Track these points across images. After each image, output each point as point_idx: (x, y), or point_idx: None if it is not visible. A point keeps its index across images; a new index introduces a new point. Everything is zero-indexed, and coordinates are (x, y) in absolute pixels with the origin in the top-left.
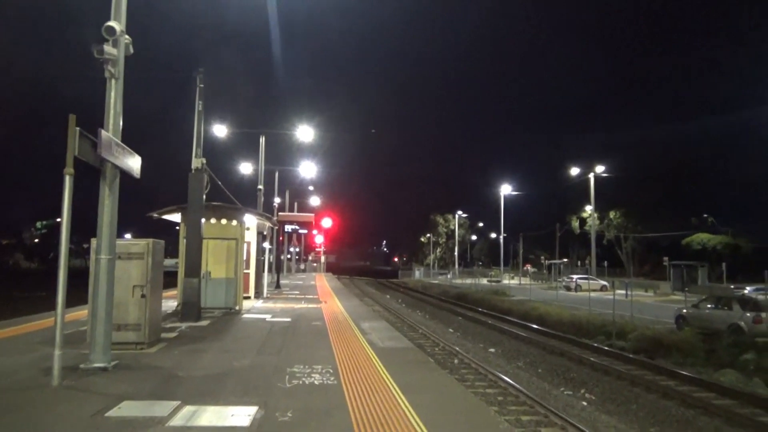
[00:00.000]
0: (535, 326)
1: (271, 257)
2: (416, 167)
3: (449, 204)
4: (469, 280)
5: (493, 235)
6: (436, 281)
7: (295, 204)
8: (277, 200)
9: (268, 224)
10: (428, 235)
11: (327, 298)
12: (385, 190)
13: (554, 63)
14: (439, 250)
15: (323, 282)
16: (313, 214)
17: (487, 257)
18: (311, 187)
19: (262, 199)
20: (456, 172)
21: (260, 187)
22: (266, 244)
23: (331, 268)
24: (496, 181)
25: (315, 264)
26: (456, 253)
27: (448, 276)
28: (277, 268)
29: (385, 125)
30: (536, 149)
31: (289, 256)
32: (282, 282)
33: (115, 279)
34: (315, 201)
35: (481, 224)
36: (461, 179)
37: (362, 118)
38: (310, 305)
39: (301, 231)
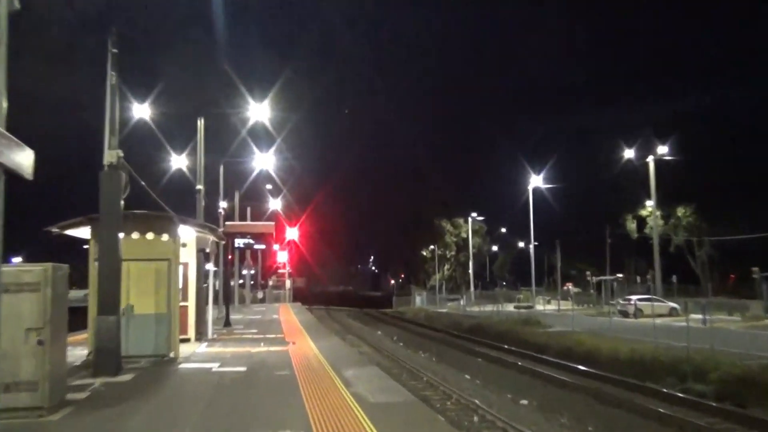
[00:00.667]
0: (580, 367)
1: (218, 284)
2: (413, 160)
3: (459, 206)
4: (489, 307)
5: (521, 245)
6: (445, 309)
7: (248, 210)
8: (223, 205)
9: (211, 238)
10: (432, 247)
11: (296, 337)
12: (372, 190)
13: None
14: (447, 267)
15: (290, 315)
16: (272, 223)
17: (513, 275)
18: (269, 186)
19: (203, 203)
20: (466, 164)
21: (200, 187)
22: (210, 266)
23: (300, 296)
24: (520, 174)
25: (278, 291)
26: (470, 271)
27: (461, 302)
28: (226, 298)
29: (372, 107)
30: (572, 129)
31: (242, 282)
32: (233, 317)
33: (0, 320)
34: (276, 205)
35: (503, 230)
36: (473, 173)
37: (343, 97)
38: (273, 348)
39: (257, 246)
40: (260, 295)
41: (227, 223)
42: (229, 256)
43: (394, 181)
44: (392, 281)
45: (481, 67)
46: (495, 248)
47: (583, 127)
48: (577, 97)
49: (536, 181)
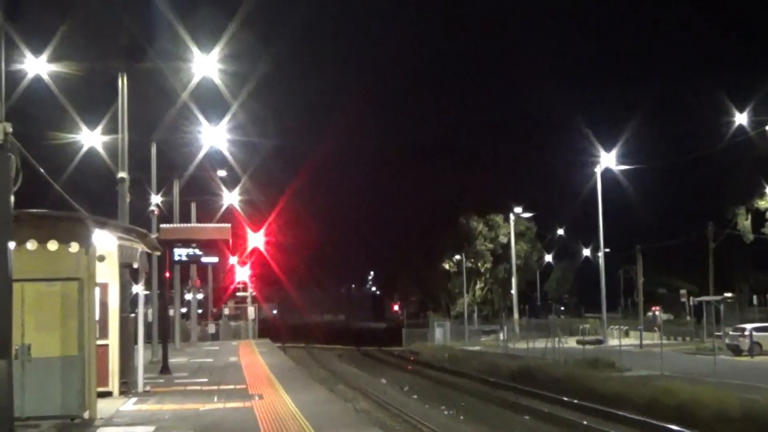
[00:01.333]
0: (673, 427)
1: (150, 313)
2: (432, 135)
3: (495, 198)
4: (541, 342)
5: (585, 253)
6: (477, 347)
7: (193, 207)
8: (156, 201)
9: (141, 248)
10: (458, 257)
11: (264, 388)
12: (373, 178)
13: None
14: (480, 285)
15: (255, 357)
16: (228, 226)
17: (575, 295)
18: (223, 174)
19: (128, 198)
20: (505, 141)
21: (123, 175)
22: (139, 288)
23: (269, 330)
24: (583, 153)
25: (237, 323)
26: (514, 291)
27: (500, 336)
28: (163, 333)
29: (375, 58)
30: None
31: (185, 311)
32: (174, 361)
33: None
34: (233, 199)
35: (559, 232)
36: (515, 154)
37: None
38: (232, 404)
39: (206, 259)
40: (212, 329)
41: (163, 226)
42: (167, 274)
43: (404, 166)
44: (400, 308)
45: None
46: (549, 258)
47: (673, 88)
48: (663, 50)
49: (607, 161)
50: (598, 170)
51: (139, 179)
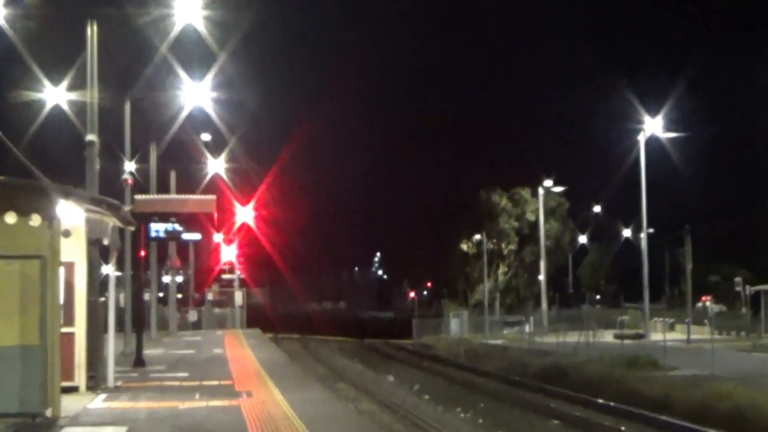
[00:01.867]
0: None
1: (123, 298)
2: (449, 98)
3: (521, 170)
4: (573, 337)
5: (626, 234)
6: (499, 341)
7: (173, 176)
8: (131, 168)
9: (112, 222)
10: (478, 237)
11: (253, 385)
12: (380, 146)
13: None
14: (502, 269)
15: (243, 350)
16: (213, 198)
17: (613, 282)
18: (207, 138)
19: (98, 165)
20: (532, 103)
21: (92, 138)
22: (110, 269)
23: (259, 319)
24: (624, 119)
25: (222, 311)
26: (542, 276)
27: (526, 328)
28: (138, 321)
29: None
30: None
31: (162, 295)
32: (150, 352)
33: None
34: (219, 167)
35: (596, 209)
36: (544, 119)
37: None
38: (216, 402)
39: (187, 236)
40: (193, 316)
41: (138, 197)
42: (142, 253)
43: (418, 133)
44: (411, 294)
45: None
46: (583, 239)
47: (731, 44)
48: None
49: (653, 127)
50: (641, 138)
51: (111, 144)
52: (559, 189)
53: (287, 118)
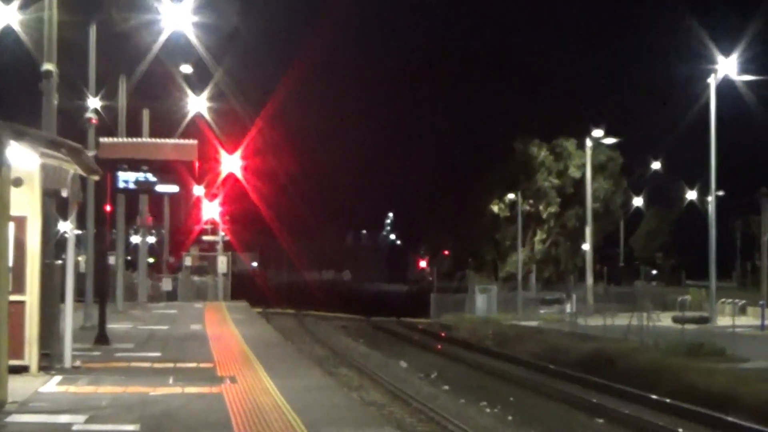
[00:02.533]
0: None
1: (84, 262)
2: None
3: (564, 118)
4: (623, 319)
5: (690, 197)
6: (534, 322)
7: (145, 115)
8: (95, 105)
9: (72, 170)
10: (511, 196)
11: (238, 368)
12: (394, 84)
13: None
14: (540, 236)
15: (226, 326)
16: (193, 143)
17: (673, 255)
18: (187, 69)
19: (56, 101)
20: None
21: (49, 67)
22: (69, 226)
23: (247, 290)
24: (690, 59)
25: (203, 279)
26: (588, 245)
27: (566, 307)
28: (101, 289)
29: None
30: None
31: (130, 258)
32: (115, 326)
33: None
34: (200, 106)
35: (654, 166)
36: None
37: None
38: (193, 388)
39: (161, 188)
40: (167, 285)
41: (104, 140)
42: (108, 208)
43: (440, 71)
44: (429, 265)
45: None
46: (638, 202)
47: None
48: None
49: (726, 68)
50: (712, 81)
51: (72, 75)
52: (610, 141)
53: (284, 46)
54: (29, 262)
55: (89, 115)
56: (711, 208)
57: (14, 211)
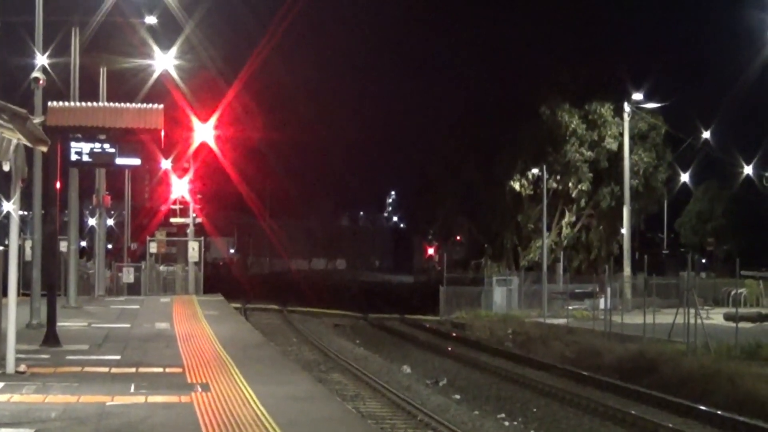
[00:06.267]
0: None
1: (30, 248)
2: None
3: (597, 79)
4: (667, 316)
5: (747, 172)
6: (562, 320)
7: (103, 74)
8: (43, 63)
9: (15, 139)
10: (534, 172)
11: (210, 374)
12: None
13: None
14: (569, 218)
15: (197, 323)
16: (159, 107)
17: (727, 241)
18: (151, 20)
19: None
20: None
21: None
22: (12, 206)
23: (221, 280)
24: (739, 17)
25: (170, 268)
26: (626, 230)
27: (601, 302)
28: (49, 280)
29: None
30: None
31: (85, 244)
32: (66, 324)
33: None
34: (167, 63)
35: (704, 136)
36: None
37: None
38: (158, 397)
39: (121, 161)
40: (129, 276)
41: (54, 104)
42: (58, 184)
43: (451, 24)
44: (436, 252)
45: None
46: (685, 178)
47: None
48: None
49: None
50: None
51: (16, 26)
52: (653, 106)
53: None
54: None
55: (36, 74)
56: None
57: None
